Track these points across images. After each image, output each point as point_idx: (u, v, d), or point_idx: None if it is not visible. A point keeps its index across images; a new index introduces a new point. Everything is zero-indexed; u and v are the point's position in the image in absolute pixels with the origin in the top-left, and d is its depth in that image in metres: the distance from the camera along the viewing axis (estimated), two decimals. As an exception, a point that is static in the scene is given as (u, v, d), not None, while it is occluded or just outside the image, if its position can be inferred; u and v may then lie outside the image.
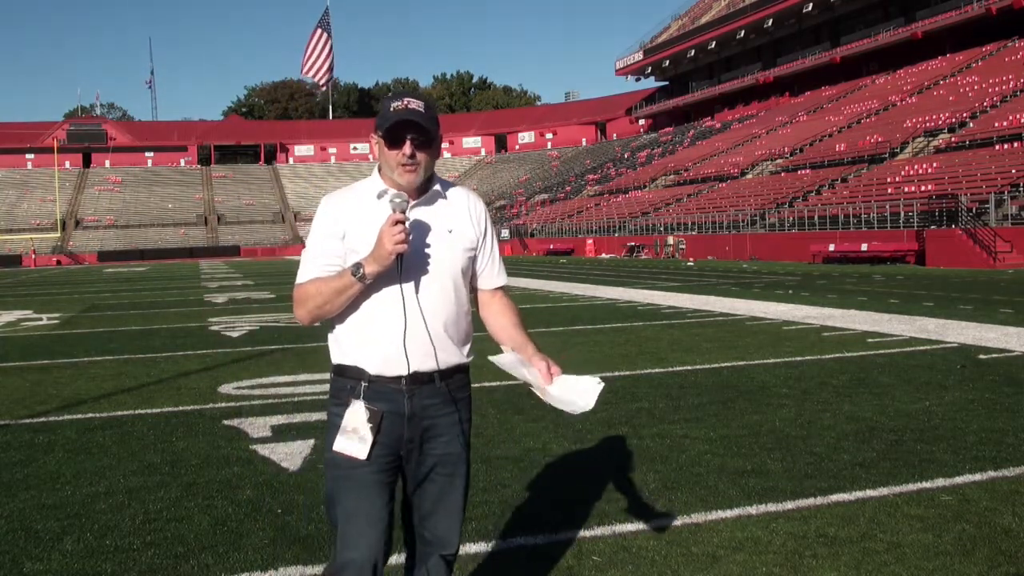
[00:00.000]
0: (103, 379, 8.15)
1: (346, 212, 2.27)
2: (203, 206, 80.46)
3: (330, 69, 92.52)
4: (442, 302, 2.26)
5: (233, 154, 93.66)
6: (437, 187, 2.31)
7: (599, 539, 3.59)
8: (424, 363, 2.24)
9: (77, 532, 3.83)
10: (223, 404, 6.71)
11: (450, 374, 2.30)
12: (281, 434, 5.58)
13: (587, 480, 4.44)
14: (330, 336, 2.34)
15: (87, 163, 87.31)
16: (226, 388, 7.41)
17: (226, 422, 6.02)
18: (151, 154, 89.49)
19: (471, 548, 3.53)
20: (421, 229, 2.24)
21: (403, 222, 2.12)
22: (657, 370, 7.83)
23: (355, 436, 2.21)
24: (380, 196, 2.25)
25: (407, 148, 2.19)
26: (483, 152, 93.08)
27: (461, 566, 3.35)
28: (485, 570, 3.37)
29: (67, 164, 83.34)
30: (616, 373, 7.67)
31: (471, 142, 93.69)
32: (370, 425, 2.21)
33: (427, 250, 2.24)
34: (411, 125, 2.18)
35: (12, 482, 4.66)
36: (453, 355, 2.30)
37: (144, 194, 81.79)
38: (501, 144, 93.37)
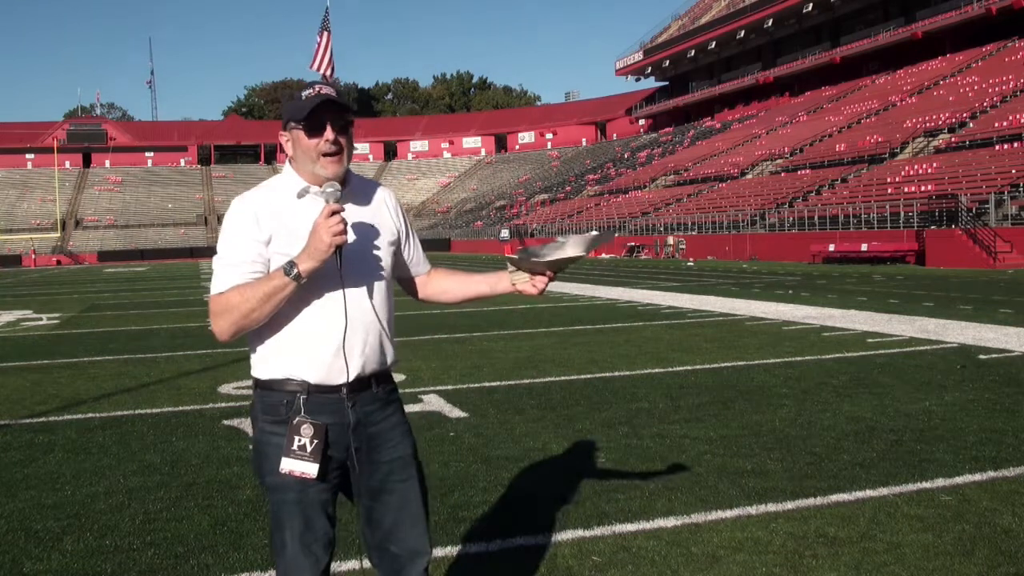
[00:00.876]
0: (103, 379, 8.16)
1: (269, 213, 2.07)
2: (203, 206, 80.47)
3: (331, 68, 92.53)
4: (384, 298, 2.17)
5: (233, 154, 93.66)
6: (356, 181, 2.20)
7: (599, 539, 3.59)
8: (370, 364, 2.14)
9: (77, 532, 3.83)
10: (223, 404, 6.71)
11: (385, 377, 2.21)
12: (281, 434, 5.57)
13: (587, 480, 4.43)
14: (253, 352, 2.15)
15: (87, 163, 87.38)
16: (226, 388, 7.41)
17: (226, 422, 6.02)
18: (151, 154, 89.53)
19: (471, 548, 3.53)
20: (354, 223, 2.09)
21: (339, 212, 1.97)
22: (657, 370, 7.82)
23: (302, 454, 2.05)
24: (301, 195, 2.09)
25: (329, 133, 2.05)
26: (483, 152, 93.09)
27: (462, 566, 3.36)
28: (485, 570, 3.37)
29: (67, 164, 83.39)
30: (616, 373, 7.67)
31: (471, 142, 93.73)
32: (316, 441, 2.06)
33: (364, 245, 2.13)
34: (330, 104, 2.05)
35: (12, 482, 4.67)
36: (390, 353, 2.21)
37: (144, 194, 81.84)
38: (501, 144, 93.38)
